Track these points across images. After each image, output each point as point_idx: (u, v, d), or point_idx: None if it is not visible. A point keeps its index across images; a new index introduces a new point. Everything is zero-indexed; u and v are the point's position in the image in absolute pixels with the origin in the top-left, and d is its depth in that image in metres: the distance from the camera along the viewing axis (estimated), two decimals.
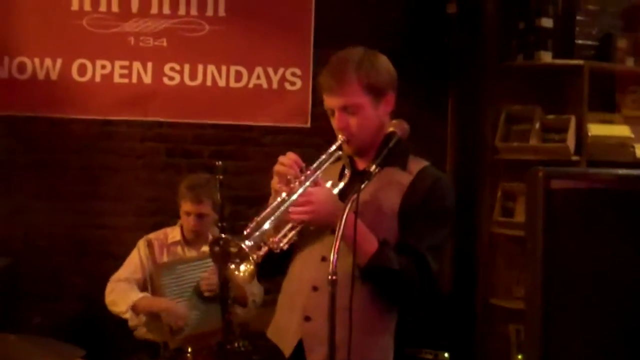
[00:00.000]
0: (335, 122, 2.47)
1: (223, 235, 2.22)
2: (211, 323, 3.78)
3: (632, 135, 4.37)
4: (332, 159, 2.44)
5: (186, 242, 4.05)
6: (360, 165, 2.55)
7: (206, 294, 3.82)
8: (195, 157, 4.86)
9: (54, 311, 4.68)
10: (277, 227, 2.30)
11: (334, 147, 2.44)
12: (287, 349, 2.49)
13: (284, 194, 2.30)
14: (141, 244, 3.99)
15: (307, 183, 2.32)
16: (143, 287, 3.94)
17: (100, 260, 4.63)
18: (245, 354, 3.56)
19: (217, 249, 2.19)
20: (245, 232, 2.17)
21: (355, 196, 2.11)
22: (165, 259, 3.97)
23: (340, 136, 2.45)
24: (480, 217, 4.68)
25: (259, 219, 2.21)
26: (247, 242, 2.13)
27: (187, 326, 3.79)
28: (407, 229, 2.40)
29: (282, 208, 2.26)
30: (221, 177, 3.48)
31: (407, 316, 2.48)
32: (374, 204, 2.38)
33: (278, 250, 2.28)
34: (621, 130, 4.39)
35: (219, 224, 3.40)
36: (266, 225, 2.20)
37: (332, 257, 2.02)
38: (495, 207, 4.56)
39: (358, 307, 2.18)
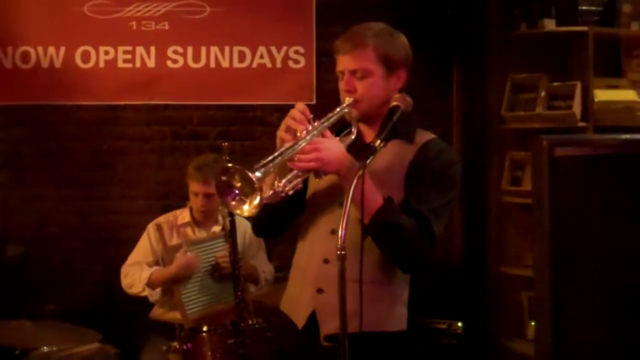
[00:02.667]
0: (342, 84, 2.49)
1: (230, 164, 2.22)
2: (225, 301, 3.82)
3: (639, 100, 4.35)
4: (339, 115, 2.44)
5: (196, 223, 4.07)
6: (367, 137, 2.55)
7: (224, 271, 3.84)
8: (201, 139, 4.87)
9: (68, 297, 4.72)
10: (282, 175, 2.32)
11: (341, 107, 2.46)
12: (300, 320, 2.52)
13: (290, 143, 2.31)
14: (150, 227, 4.02)
15: (315, 132, 2.34)
16: None
17: (111, 245, 4.66)
18: (260, 331, 3.59)
19: (224, 178, 2.20)
20: (253, 168, 2.18)
21: (360, 172, 2.13)
22: (175, 240, 3.99)
23: (347, 98, 2.46)
24: (489, 187, 4.69)
25: (265, 161, 2.21)
26: (257, 174, 2.14)
27: (204, 292, 3.83)
28: (411, 193, 2.42)
29: (290, 152, 2.28)
30: (228, 158, 3.49)
31: (420, 286, 2.50)
32: (381, 173, 2.40)
33: (283, 194, 2.31)
34: (627, 95, 4.36)
35: None
36: (272, 164, 2.21)
37: (340, 232, 2.04)
38: (504, 176, 4.56)
39: (368, 277, 2.20)
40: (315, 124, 2.36)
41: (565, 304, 1.69)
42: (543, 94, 4.40)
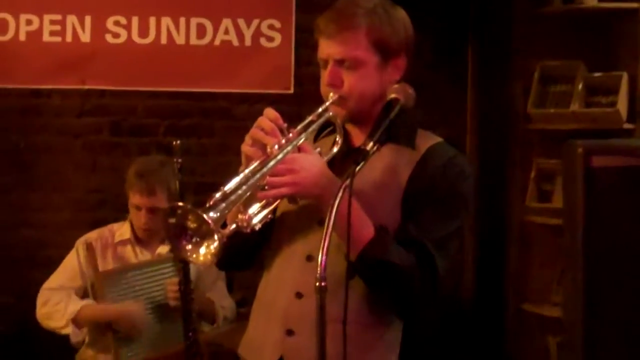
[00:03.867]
0: (325, 76, 2.47)
1: (181, 204, 2.21)
2: (172, 344, 3.81)
3: None
4: (321, 120, 2.43)
5: (138, 240, 4.04)
6: (356, 140, 2.55)
7: (172, 303, 3.82)
8: (147, 135, 4.87)
9: None
10: (247, 203, 2.28)
11: (323, 107, 2.43)
12: None
13: (258, 161, 2.27)
14: (80, 245, 3.99)
15: (289, 147, 2.31)
16: (83, 297, 3.95)
17: (28, 268, 4.64)
18: None
19: (172, 220, 2.18)
20: (208, 204, 2.14)
21: (348, 181, 2.12)
22: (111, 263, 3.97)
23: (330, 94, 2.45)
24: (510, 203, 4.72)
25: (226, 188, 2.18)
26: (212, 214, 2.11)
27: (145, 333, 3.82)
28: (411, 218, 2.40)
29: (257, 176, 2.24)
30: (180, 160, 3.49)
31: (417, 328, 2.50)
32: (372, 188, 2.39)
33: (249, 230, 2.26)
34: None
35: None
36: (235, 196, 2.18)
37: (320, 257, 2.01)
38: (529, 189, 4.59)
39: (352, 318, 2.19)
40: (290, 135, 2.33)
41: (601, 351, 1.70)
42: (580, 86, 4.43)
